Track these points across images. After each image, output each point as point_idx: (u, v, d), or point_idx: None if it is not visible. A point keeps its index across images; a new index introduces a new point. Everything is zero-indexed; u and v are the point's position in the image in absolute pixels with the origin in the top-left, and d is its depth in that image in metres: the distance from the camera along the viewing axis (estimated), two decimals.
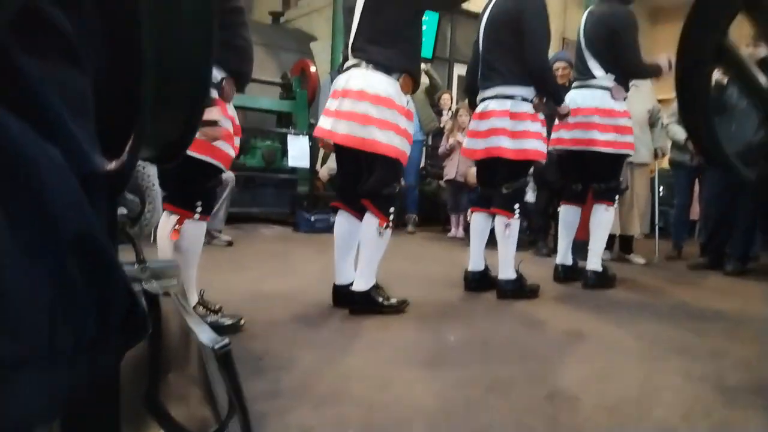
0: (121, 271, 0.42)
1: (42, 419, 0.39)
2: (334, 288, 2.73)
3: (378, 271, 2.68)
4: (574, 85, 3.64)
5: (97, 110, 0.47)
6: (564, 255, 3.72)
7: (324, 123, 2.62)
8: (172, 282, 0.83)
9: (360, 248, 2.68)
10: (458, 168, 5.82)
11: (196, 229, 2.16)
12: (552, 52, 4.66)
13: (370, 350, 2.14)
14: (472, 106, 3.34)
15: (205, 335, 0.82)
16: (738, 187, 4.21)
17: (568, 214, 3.69)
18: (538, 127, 3.07)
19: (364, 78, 2.52)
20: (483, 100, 3.16)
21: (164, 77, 0.57)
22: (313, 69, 6.79)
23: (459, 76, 8.88)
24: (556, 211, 4.19)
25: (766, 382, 2.02)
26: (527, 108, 3.05)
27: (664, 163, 5.80)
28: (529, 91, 3.05)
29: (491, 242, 3.24)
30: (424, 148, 6.82)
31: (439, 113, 6.58)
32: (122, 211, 0.86)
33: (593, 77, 3.45)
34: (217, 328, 2.00)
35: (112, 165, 0.49)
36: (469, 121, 3.59)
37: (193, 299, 2.19)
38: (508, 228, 3.09)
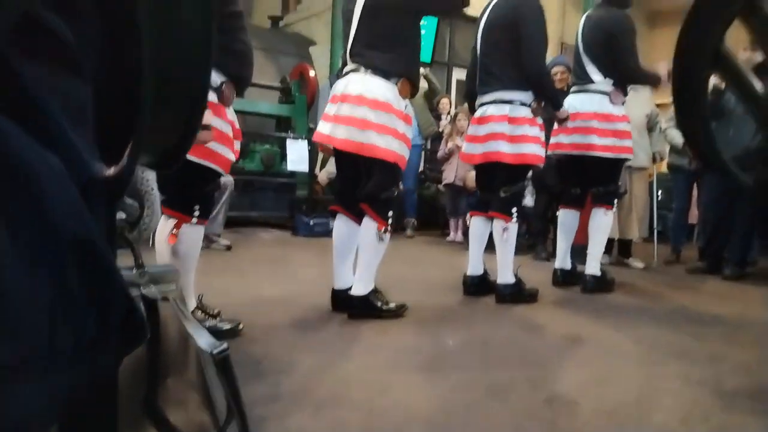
0: (120, 276, 0.42)
1: (42, 420, 0.39)
2: (333, 292, 2.73)
3: (377, 276, 2.68)
4: (572, 89, 3.65)
5: (97, 116, 0.47)
6: (563, 259, 3.72)
7: (323, 128, 2.62)
8: (170, 287, 0.83)
9: (359, 252, 2.68)
10: (457, 172, 5.82)
11: (193, 233, 2.16)
12: (550, 57, 4.67)
13: (369, 354, 2.13)
14: (472, 111, 3.35)
15: (203, 340, 0.82)
16: (736, 191, 4.22)
17: (566, 218, 3.70)
18: (536, 131, 3.08)
19: (362, 83, 2.53)
20: (481, 105, 3.17)
21: (163, 83, 0.58)
22: (312, 73, 6.81)
23: (458, 81, 8.89)
24: (554, 215, 4.19)
25: (764, 387, 2.02)
26: (526, 112, 3.05)
27: (663, 168, 5.80)
28: (527, 96, 3.06)
29: (490, 246, 3.24)
30: (423, 152, 6.83)
31: (438, 117, 6.59)
32: (121, 215, 0.86)
33: (592, 82, 3.46)
34: (216, 333, 2.00)
35: (111, 171, 0.49)
36: (468, 125, 3.60)
37: (192, 304, 2.19)
38: (506, 232, 3.09)
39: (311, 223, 5.86)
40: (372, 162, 2.55)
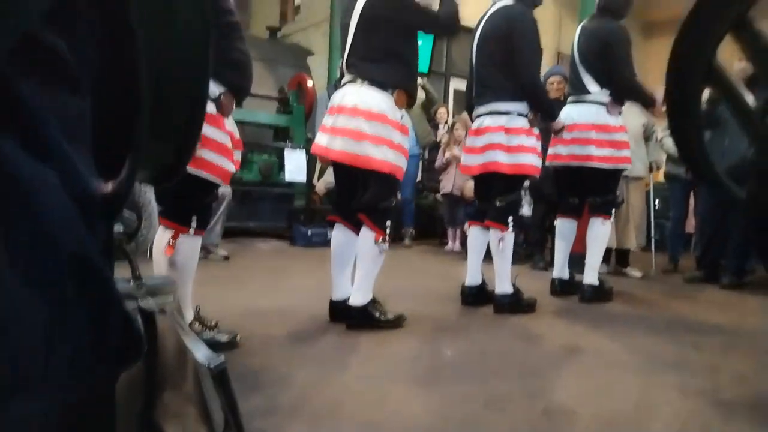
0: (117, 292, 0.42)
1: None
2: (331, 303, 2.72)
3: (375, 286, 2.68)
4: (569, 100, 3.67)
5: (95, 132, 0.47)
6: (561, 269, 3.72)
7: (320, 140, 2.64)
8: (168, 299, 0.83)
9: (357, 262, 2.68)
10: (455, 181, 5.84)
11: (191, 244, 2.16)
12: (547, 67, 4.69)
13: (367, 366, 2.13)
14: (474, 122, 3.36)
15: (201, 353, 0.82)
16: (729, 203, 4.24)
17: (564, 228, 3.70)
18: (533, 141, 3.09)
19: (358, 94, 2.54)
20: (478, 116, 3.19)
21: (160, 100, 0.58)
22: (310, 83, 6.83)
23: (455, 91, 8.94)
24: (552, 225, 4.20)
25: (762, 397, 2.02)
26: (522, 123, 3.06)
27: (660, 177, 5.82)
28: (524, 107, 3.07)
29: (488, 256, 3.24)
30: (420, 162, 6.85)
31: (436, 127, 6.62)
32: (119, 227, 0.86)
33: (588, 92, 3.48)
34: (214, 345, 2.00)
35: (110, 186, 0.49)
36: (466, 135, 3.61)
37: (189, 315, 2.18)
38: (502, 242, 3.09)
39: (309, 233, 5.85)
40: (369, 173, 2.56)
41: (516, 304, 3.14)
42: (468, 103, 3.40)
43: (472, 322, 2.95)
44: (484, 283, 3.31)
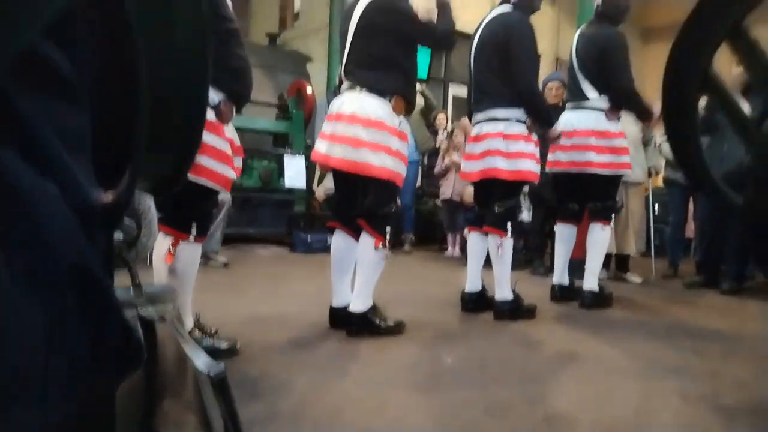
0: (117, 304, 0.43)
1: None
2: (331, 310, 2.72)
3: (374, 292, 2.68)
4: (568, 106, 3.68)
5: (95, 141, 0.48)
6: (560, 274, 3.72)
7: (320, 147, 2.65)
8: (167, 307, 0.83)
9: (357, 269, 2.68)
10: (454, 187, 5.85)
11: (191, 251, 2.16)
12: (545, 73, 4.70)
13: (366, 373, 2.13)
14: None
15: (200, 361, 0.82)
16: (726, 209, 4.23)
17: (564, 233, 3.70)
18: (531, 147, 3.10)
19: (356, 101, 2.56)
20: (477, 123, 3.20)
21: (159, 110, 0.58)
22: (309, 90, 6.84)
23: (454, 97, 8.96)
24: (552, 230, 4.20)
25: (763, 403, 2.01)
26: (521, 129, 3.07)
27: (659, 182, 5.83)
28: (522, 113, 3.08)
29: (488, 262, 3.24)
30: (420, 168, 6.86)
31: (435, 133, 6.63)
32: (118, 235, 0.86)
33: (587, 99, 3.48)
34: (213, 352, 1.99)
35: (110, 196, 0.49)
36: (465, 140, 3.62)
37: (189, 322, 2.18)
38: (501, 248, 3.09)
39: (309, 239, 5.86)
40: (368, 180, 2.57)
41: (516, 310, 3.14)
42: (469, 109, 3.41)
43: (472, 328, 2.94)
44: (484, 289, 3.31)
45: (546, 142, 3.59)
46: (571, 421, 1.72)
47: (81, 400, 0.40)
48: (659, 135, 5.02)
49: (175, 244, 2.10)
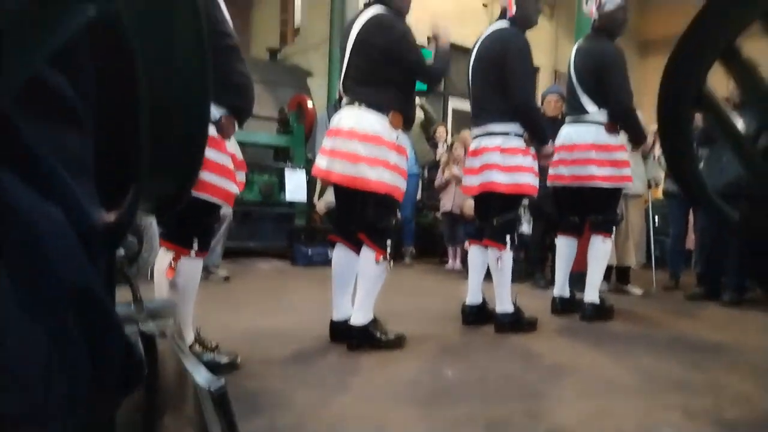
0: (118, 323, 0.43)
1: None
2: (332, 323, 2.72)
3: (375, 305, 2.68)
4: (567, 120, 3.69)
5: (97, 163, 0.48)
6: (561, 287, 3.72)
7: (320, 162, 2.67)
8: (168, 322, 0.84)
9: (358, 282, 2.68)
10: (454, 200, 5.85)
11: (192, 266, 2.16)
12: (544, 85, 4.72)
13: (367, 388, 2.12)
14: None
15: (201, 376, 0.83)
16: (722, 224, 4.23)
17: (565, 246, 3.70)
18: (529, 161, 3.11)
19: (353, 117, 2.58)
20: (475, 137, 3.22)
21: (160, 129, 0.59)
22: (309, 104, 6.88)
23: (454, 110, 9.00)
24: (552, 243, 4.20)
25: (765, 417, 2.00)
26: (518, 143, 3.08)
27: (658, 194, 5.84)
28: (519, 127, 3.09)
29: (489, 275, 3.24)
30: (420, 181, 6.88)
31: (435, 146, 6.66)
32: (120, 251, 0.87)
33: (586, 113, 3.50)
34: (214, 367, 1.99)
35: (112, 216, 0.50)
36: (465, 154, 3.63)
37: (190, 337, 2.18)
38: (501, 260, 3.10)
39: (310, 252, 5.86)
40: (367, 194, 2.58)
41: (517, 323, 3.13)
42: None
43: (472, 341, 2.94)
44: (484, 302, 3.30)
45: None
46: None
47: (82, 418, 0.41)
48: (658, 147, 5.03)
49: (176, 259, 2.11)
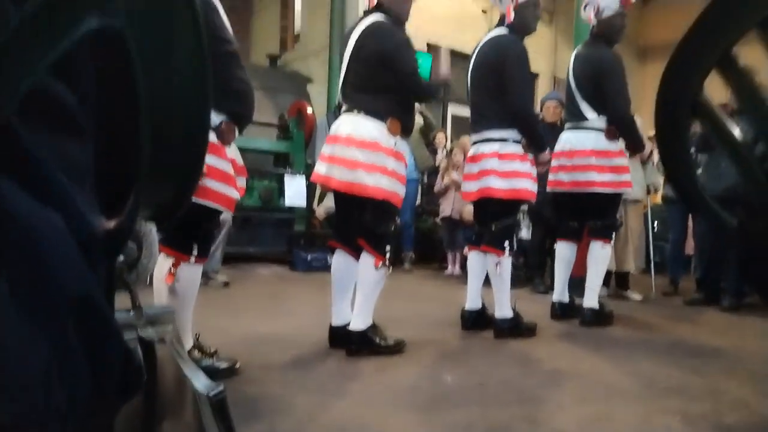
0: (117, 330, 0.44)
1: None
2: (331, 329, 2.72)
3: (374, 311, 2.68)
4: (567, 126, 3.69)
5: (98, 170, 0.49)
6: (561, 292, 3.72)
7: (320, 168, 2.68)
8: (167, 328, 0.84)
9: (357, 287, 2.68)
10: (454, 205, 5.86)
11: (191, 272, 2.16)
12: (544, 92, 4.73)
13: (366, 393, 2.12)
14: None
15: (200, 382, 0.83)
16: (720, 230, 4.23)
17: (564, 251, 3.71)
18: (527, 167, 3.12)
19: (352, 124, 2.60)
20: (474, 143, 3.23)
21: (160, 137, 0.60)
22: (309, 110, 6.90)
23: (453, 116, 9.02)
24: (552, 248, 4.20)
25: (764, 421, 2.00)
26: (516, 149, 3.09)
27: (657, 199, 5.84)
28: (517, 133, 3.10)
29: (489, 280, 3.24)
30: (419, 186, 6.89)
31: (434, 152, 6.67)
32: (119, 258, 0.87)
33: (585, 119, 3.50)
34: (213, 372, 1.99)
35: (112, 224, 0.51)
36: (464, 159, 3.64)
37: (189, 343, 2.18)
38: (499, 266, 3.10)
39: (309, 258, 5.87)
40: (365, 200, 2.59)
41: (516, 328, 3.13)
42: None
43: (472, 347, 2.94)
44: (484, 307, 3.30)
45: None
46: None
47: (82, 424, 0.41)
48: (657, 152, 5.03)
49: (176, 265, 2.11)
